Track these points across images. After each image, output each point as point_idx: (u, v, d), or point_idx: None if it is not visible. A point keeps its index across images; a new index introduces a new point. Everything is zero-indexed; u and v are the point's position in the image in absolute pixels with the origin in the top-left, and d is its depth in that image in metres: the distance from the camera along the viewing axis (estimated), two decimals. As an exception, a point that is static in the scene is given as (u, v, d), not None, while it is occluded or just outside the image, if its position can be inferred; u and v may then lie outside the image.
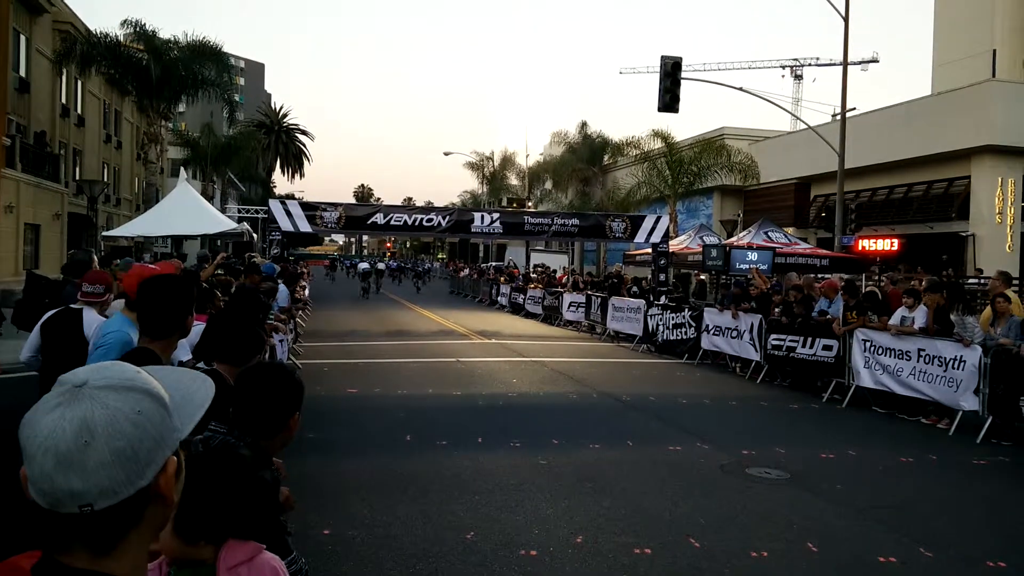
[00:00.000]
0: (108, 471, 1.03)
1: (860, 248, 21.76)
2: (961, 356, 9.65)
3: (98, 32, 28.72)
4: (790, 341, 12.82)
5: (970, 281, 21.13)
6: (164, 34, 29.82)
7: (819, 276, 17.74)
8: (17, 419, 1.10)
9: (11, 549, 1.11)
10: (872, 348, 11.09)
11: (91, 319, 5.13)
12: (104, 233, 25.91)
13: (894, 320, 11.11)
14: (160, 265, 4.49)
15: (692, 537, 5.58)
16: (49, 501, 1.04)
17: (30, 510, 1.07)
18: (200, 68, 30.05)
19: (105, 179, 35.95)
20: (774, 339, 13.22)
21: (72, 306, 5.42)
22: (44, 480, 1.03)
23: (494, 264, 51.45)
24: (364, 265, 42.85)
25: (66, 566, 1.05)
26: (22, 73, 26.97)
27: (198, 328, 3.90)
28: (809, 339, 12.41)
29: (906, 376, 10.43)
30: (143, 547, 1.12)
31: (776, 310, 13.83)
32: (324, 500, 6.14)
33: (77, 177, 32.06)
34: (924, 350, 10.23)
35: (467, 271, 46.29)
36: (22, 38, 26.86)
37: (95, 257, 10.30)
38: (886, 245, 21.64)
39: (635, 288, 21.14)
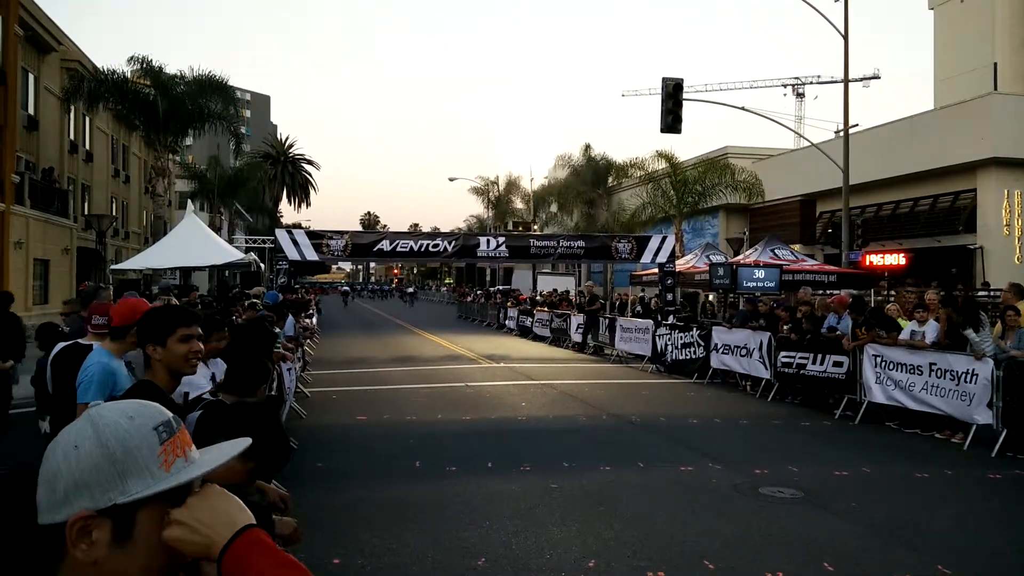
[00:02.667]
0: (41, 489, 1.09)
1: (867, 263, 21.67)
2: (973, 369, 9.58)
3: (105, 69, 29.12)
4: (800, 358, 12.75)
5: (979, 294, 20.99)
6: (171, 69, 30.25)
7: (827, 292, 17.68)
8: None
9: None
10: (883, 363, 11.01)
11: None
12: (113, 266, 26.08)
13: (904, 335, 11.05)
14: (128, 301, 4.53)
15: (706, 559, 5.51)
16: None
17: None
18: (206, 102, 30.38)
19: (113, 213, 36.26)
20: (784, 356, 13.15)
21: (81, 341, 5.42)
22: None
23: (501, 288, 51.48)
24: (346, 288, 76.08)
25: None
26: (31, 111, 27.32)
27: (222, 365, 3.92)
28: (819, 356, 12.34)
29: (918, 391, 10.35)
30: None
31: (785, 327, 13.77)
32: (333, 529, 6.10)
33: (86, 212, 32.35)
34: (936, 364, 10.15)
35: (471, 297, 46.28)
36: (31, 76, 27.24)
37: (111, 290, 10.34)
38: (894, 260, 21.54)
39: (639, 308, 21.12)
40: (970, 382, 9.59)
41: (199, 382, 3.97)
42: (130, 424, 1.12)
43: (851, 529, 6.28)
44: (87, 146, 34.37)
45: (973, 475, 8.18)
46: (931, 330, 10.68)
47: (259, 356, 3.54)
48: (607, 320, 21.33)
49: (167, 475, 1.11)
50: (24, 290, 23.88)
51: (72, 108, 30.79)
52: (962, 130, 25.19)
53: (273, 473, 2.48)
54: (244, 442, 1.28)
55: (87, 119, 33.62)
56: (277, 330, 9.69)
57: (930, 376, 10.21)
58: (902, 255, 21.71)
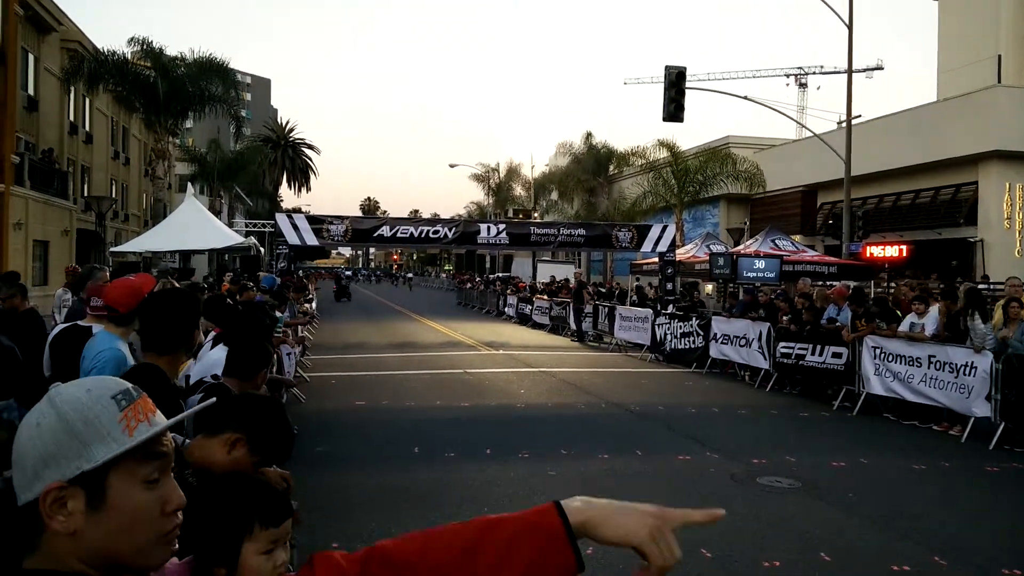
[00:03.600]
0: (13, 470, 1.13)
1: (868, 255, 21.67)
2: (972, 362, 9.59)
3: (106, 50, 28.96)
4: (799, 349, 12.77)
5: (979, 287, 21.01)
6: (171, 51, 30.05)
7: (827, 283, 17.68)
8: None
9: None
10: (882, 355, 11.03)
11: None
12: (112, 249, 26.08)
13: (903, 327, 11.06)
14: (139, 277, 4.45)
15: (704, 548, 5.53)
16: None
17: None
18: (207, 84, 30.24)
19: (113, 195, 36.15)
20: (783, 347, 13.16)
21: (80, 323, 5.40)
22: None
23: (500, 275, 51.50)
24: (347, 272, 76.95)
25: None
26: (31, 91, 27.19)
27: (221, 354, 3.88)
28: (818, 346, 12.35)
29: (917, 383, 10.37)
30: (57, 563, 1.13)
31: (785, 318, 13.78)
32: (332, 514, 6.11)
33: (85, 193, 32.26)
34: (935, 356, 10.16)
35: (469, 284, 46.29)
36: (31, 57, 27.09)
37: (107, 272, 10.34)
38: (894, 252, 21.54)
39: (634, 297, 21.14)
40: (969, 375, 9.60)
41: (216, 355, 3.94)
42: (87, 396, 1.15)
43: (848, 520, 6.30)
44: (87, 127, 34.24)
45: (970, 467, 8.21)
46: (930, 322, 10.69)
47: (260, 340, 3.53)
48: (606, 308, 21.35)
49: (130, 439, 1.15)
50: (24, 271, 23.81)
51: (72, 89, 30.64)
52: (965, 122, 25.13)
53: (277, 464, 2.50)
54: (208, 401, 1.37)
55: (87, 100, 33.47)
56: (278, 314, 9.69)
57: (929, 368, 10.22)
58: (903, 247, 21.71)
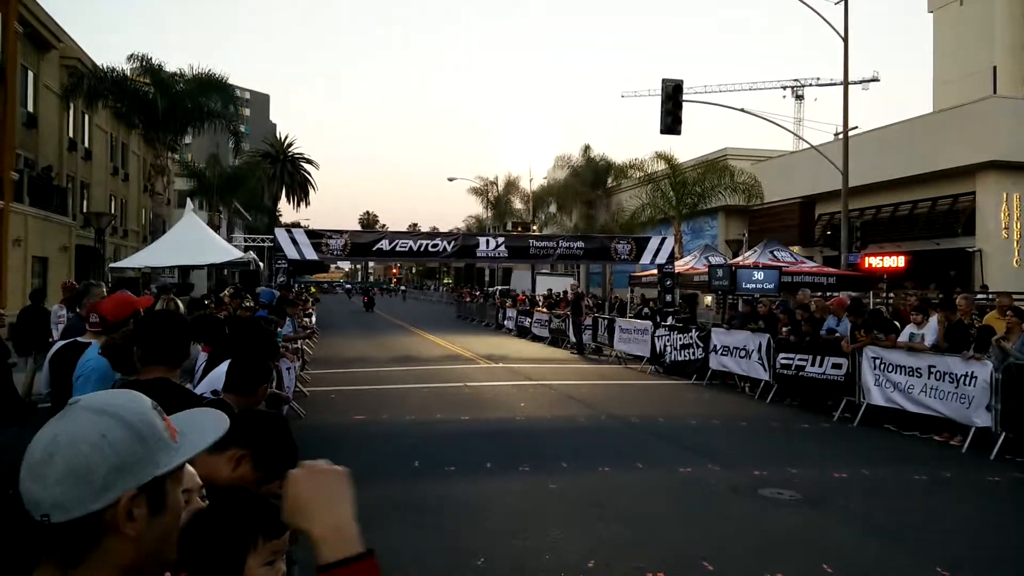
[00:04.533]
0: (63, 486, 1.08)
1: (867, 265, 21.71)
2: (972, 372, 9.58)
3: (105, 67, 29.07)
4: (799, 360, 12.76)
5: (977, 297, 21.03)
6: (170, 67, 30.16)
7: (826, 294, 17.69)
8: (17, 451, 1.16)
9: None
10: (882, 366, 11.02)
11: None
12: (112, 265, 26.08)
13: (903, 337, 11.06)
14: (141, 299, 4.61)
15: (705, 560, 5.51)
16: (26, 506, 1.11)
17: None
18: (206, 100, 30.33)
19: (112, 211, 36.20)
20: (783, 358, 13.15)
21: (80, 339, 5.41)
22: (21, 485, 1.11)
23: (500, 288, 51.50)
24: (347, 285, 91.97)
25: None
26: (30, 108, 27.28)
27: (221, 370, 3.91)
28: (818, 358, 12.35)
29: (917, 393, 10.36)
30: (109, 572, 1.14)
31: (784, 329, 13.78)
32: (333, 528, 6.08)
33: (84, 209, 32.30)
34: (935, 367, 10.16)
35: (468, 298, 46.29)
36: (30, 74, 27.20)
37: (104, 288, 10.37)
38: (892, 262, 21.58)
39: (645, 310, 21.12)
40: (969, 385, 9.59)
41: (221, 371, 3.96)
42: (139, 405, 1.19)
43: (849, 531, 6.28)
44: (86, 144, 34.33)
45: (972, 478, 8.19)
46: (930, 332, 10.69)
47: (261, 355, 3.54)
48: (606, 321, 21.34)
49: (177, 444, 1.20)
50: (22, 288, 23.84)
51: (71, 106, 30.72)
52: (961, 133, 25.23)
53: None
54: (223, 427, 1.32)
55: (86, 117, 33.58)
56: (279, 329, 9.69)
57: (929, 378, 10.22)
58: (901, 257, 21.76)
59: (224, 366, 3.65)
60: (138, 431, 1.15)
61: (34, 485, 1.09)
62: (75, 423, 1.12)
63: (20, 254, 23.42)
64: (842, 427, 11.13)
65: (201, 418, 1.33)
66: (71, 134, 32.13)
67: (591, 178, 43.68)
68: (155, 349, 3.18)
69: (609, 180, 43.40)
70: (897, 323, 11.92)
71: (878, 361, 11.09)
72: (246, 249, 37.46)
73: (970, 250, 25.58)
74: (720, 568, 5.39)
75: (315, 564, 1.24)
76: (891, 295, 22.80)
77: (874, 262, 21.79)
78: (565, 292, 29.76)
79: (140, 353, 3.24)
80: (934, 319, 10.87)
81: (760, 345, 13.75)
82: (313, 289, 48.47)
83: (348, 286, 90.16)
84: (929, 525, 6.57)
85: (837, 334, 12.29)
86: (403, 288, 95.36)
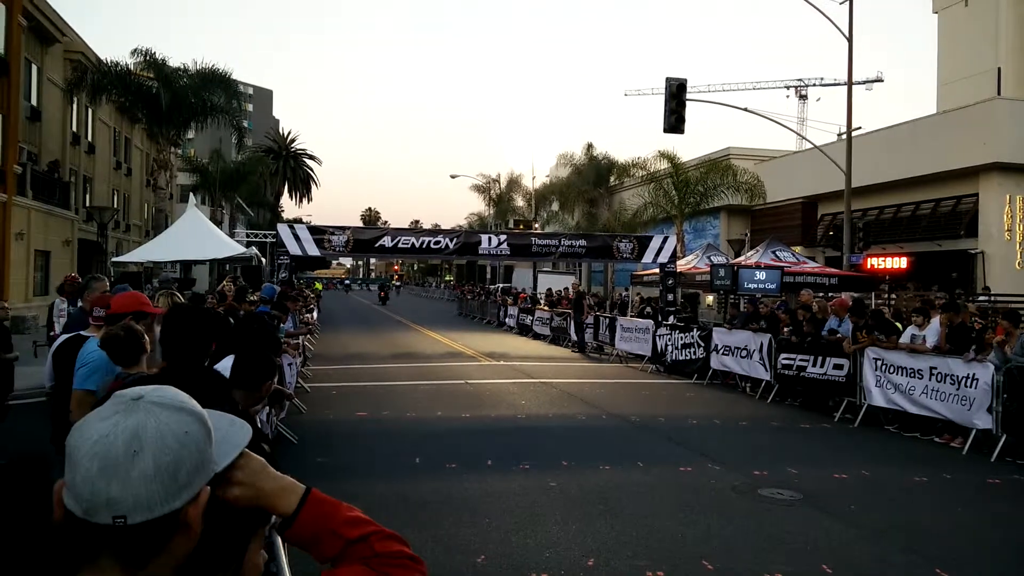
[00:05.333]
0: (148, 485, 1.04)
1: (869, 266, 21.71)
2: (973, 374, 9.59)
3: (109, 61, 29.10)
4: (800, 360, 12.77)
5: (980, 299, 21.01)
6: (174, 62, 30.20)
7: (828, 295, 17.69)
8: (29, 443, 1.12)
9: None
10: (883, 367, 11.02)
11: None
12: (114, 259, 26.09)
13: (904, 339, 11.07)
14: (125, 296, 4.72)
15: (705, 559, 5.52)
16: (85, 508, 1.03)
17: (63, 524, 1.07)
18: (209, 95, 30.33)
19: (115, 205, 36.27)
20: (784, 358, 13.16)
21: (83, 333, 5.43)
22: (85, 485, 1.03)
23: (502, 286, 51.51)
24: (346, 281, 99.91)
25: None
26: (34, 102, 27.31)
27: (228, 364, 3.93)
28: (820, 358, 12.35)
29: (918, 395, 10.36)
30: (167, 573, 1.11)
31: (786, 329, 13.78)
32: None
33: (87, 204, 32.36)
34: (936, 368, 10.16)
35: (470, 295, 46.30)
36: (34, 67, 27.23)
37: (106, 282, 10.38)
38: (895, 263, 21.57)
39: (648, 309, 21.11)
40: (970, 386, 9.60)
41: (224, 365, 3.99)
42: (196, 402, 1.17)
43: (850, 532, 6.29)
44: (89, 138, 34.36)
45: (972, 480, 8.19)
46: (932, 334, 10.69)
47: (265, 351, 3.55)
48: (607, 319, 21.35)
49: (214, 440, 1.19)
50: (25, 281, 23.89)
51: (75, 100, 30.77)
52: (965, 134, 25.17)
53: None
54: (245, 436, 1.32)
55: (90, 111, 33.61)
56: (281, 325, 9.70)
57: (930, 380, 10.22)
58: (903, 259, 21.75)
59: (227, 361, 3.66)
60: (208, 427, 1.14)
61: (111, 484, 1.02)
62: (154, 419, 1.07)
63: (23, 248, 23.47)
64: (843, 428, 11.14)
65: (219, 419, 1.30)
66: (74, 128, 32.15)
67: (593, 176, 43.67)
68: (182, 345, 3.18)
69: (612, 178, 43.39)
70: (899, 324, 11.92)
71: (879, 362, 11.09)
72: (248, 244, 37.53)
73: (972, 252, 25.54)
74: (720, 567, 5.40)
75: (282, 518, 1.31)
76: (893, 296, 22.82)
77: (876, 263, 21.79)
78: (565, 290, 29.79)
79: (165, 348, 3.27)
80: (935, 320, 10.87)
81: (761, 345, 13.76)
82: (319, 285, 47.98)
83: (347, 281, 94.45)
84: (930, 526, 6.58)
85: (839, 335, 12.30)
86: (397, 284, 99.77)
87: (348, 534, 1.32)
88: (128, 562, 1.06)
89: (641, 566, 5.40)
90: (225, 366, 3.86)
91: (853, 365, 11.62)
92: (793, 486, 7.58)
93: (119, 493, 1.02)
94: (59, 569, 1.10)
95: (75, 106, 31.68)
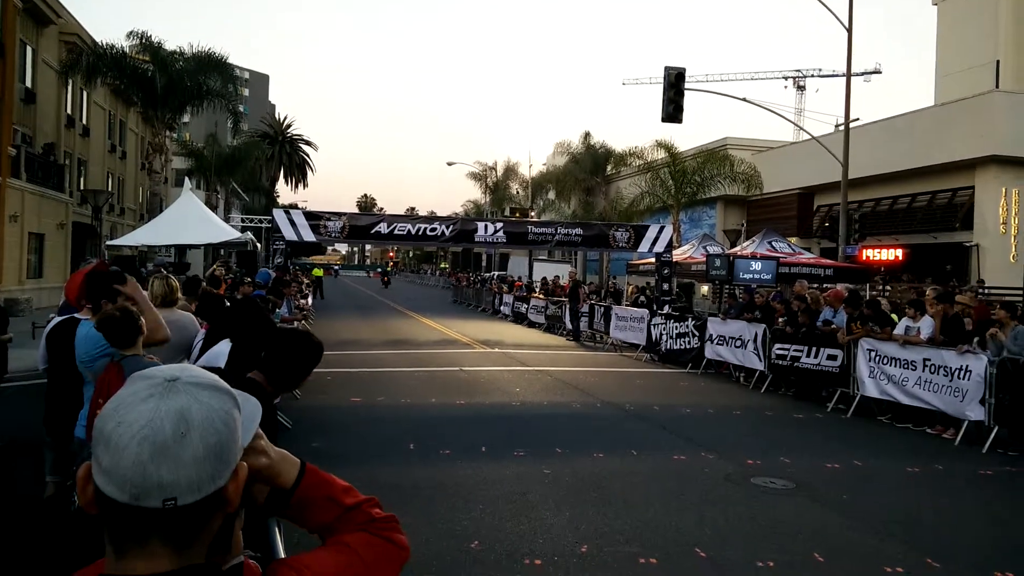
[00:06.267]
0: (199, 466, 1.04)
1: (864, 258, 21.75)
2: (967, 366, 9.62)
3: (104, 43, 28.90)
4: (794, 351, 12.79)
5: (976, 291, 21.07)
6: (170, 45, 29.99)
7: (823, 286, 17.72)
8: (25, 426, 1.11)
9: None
10: (877, 358, 11.05)
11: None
12: (108, 242, 25.99)
13: (899, 329, 11.09)
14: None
15: (698, 547, 5.54)
16: (135, 493, 1.02)
17: (96, 510, 1.06)
18: (205, 79, 30.17)
19: (110, 189, 36.05)
20: (778, 348, 13.19)
21: (77, 315, 5.42)
22: (136, 469, 1.01)
23: (497, 273, 51.51)
24: (336, 267, 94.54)
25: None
26: (28, 84, 27.11)
27: (225, 347, 3.92)
28: (814, 349, 12.38)
29: (911, 386, 10.39)
30: (203, 550, 1.11)
31: (780, 320, 13.81)
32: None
33: (82, 187, 32.17)
34: (929, 360, 10.19)
35: (465, 283, 46.27)
36: (28, 49, 27.01)
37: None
38: (890, 255, 21.61)
39: (642, 298, 21.10)
40: (963, 378, 9.63)
41: (221, 348, 3.97)
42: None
43: (842, 521, 6.32)
44: (84, 121, 34.15)
45: (964, 471, 8.23)
46: (926, 326, 10.72)
47: (264, 335, 3.54)
48: (602, 308, 21.36)
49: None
50: (18, 264, 23.80)
51: (70, 82, 30.54)
52: (962, 127, 25.19)
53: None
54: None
55: (84, 93, 33.39)
56: (276, 310, 9.68)
57: (923, 371, 10.25)
58: (899, 251, 21.80)
59: (223, 344, 3.65)
60: (239, 409, 1.14)
61: (164, 468, 1.02)
62: (197, 400, 1.07)
63: (17, 230, 23.36)
64: (836, 418, 11.18)
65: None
66: (69, 111, 31.95)
67: (590, 165, 43.60)
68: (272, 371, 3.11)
69: (609, 168, 43.33)
70: (895, 316, 11.93)
71: (873, 353, 11.12)
72: (243, 230, 37.40)
73: (968, 244, 25.60)
74: (712, 555, 5.42)
75: (284, 491, 1.35)
76: (887, 288, 22.88)
77: (871, 255, 21.83)
78: (557, 277, 29.80)
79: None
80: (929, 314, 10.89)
81: (756, 335, 13.78)
82: (320, 272, 47.19)
83: (336, 268, 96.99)
84: (920, 516, 6.61)
85: (833, 325, 12.32)
86: (391, 271, 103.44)
87: (345, 501, 1.40)
88: (177, 543, 1.06)
89: (634, 553, 5.41)
90: (221, 350, 3.85)
91: (847, 356, 11.65)
92: (786, 475, 7.61)
93: (171, 476, 1.02)
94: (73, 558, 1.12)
95: (70, 88, 31.46)
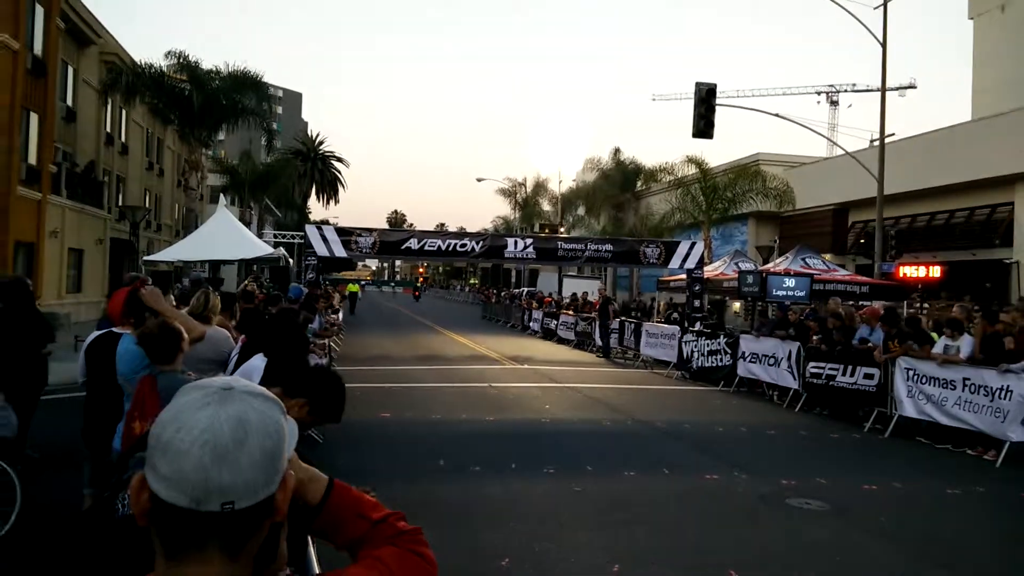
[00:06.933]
0: (256, 470, 1.07)
1: (901, 275, 21.36)
2: (1008, 386, 9.39)
3: (143, 63, 29.54)
4: (830, 369, 12.59)
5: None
6: (206, 64, 30.57)
7: (859, 303, 17.45)
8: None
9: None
10: (915, 377, 10.83)
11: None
12: (145, 258, 26.42)
13: (938, 348, 10.87)
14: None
15: (733, 568, 5.45)
16: (196, 497, 1.04)
17: (147, 521, 1.07)
18: (240, 98, 30.68)
19: (147, 205, 36.76)
20: (813, 367, 12.99)
21: (115, 329, 5.51)
22: (198, 473, 1.03)
23: (527, 290, 51.52)
24: (362, 282, 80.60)
25: None
26: (69, 103, 27.80)
27: (260, 363, 3.98)
28: (850, 367, 12.17)
29: (951, 406, 10.17)
30: (251, 562, 1.13)
31: (815, 337, 13.61)
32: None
33: (120, 203, 32.84)
34: (969, 379, 9.97)
35: (494, 299, 46.27)
36: (70, 69, 27.72)
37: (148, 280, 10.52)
38: (928, 272, 21.22)
39: (675, 315, 20.94)
40: (1004, 398, 9.40)
41: (256, 363, 4.00)
42: None
43: (880, 544, 6.18)
44: (123, 139, 34.90)
45: (1006, 493, 8.02)
46: (966, 345, 10.49)
47: (300, 352, 3.57)
48: (632, 325, 21.23)
49: None
50: (58, 279, 24.30)
51: (109, 101, 31.26)
52: (1000, 142, 24.72)
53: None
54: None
55: (123, 112, 34.14)
56: (310, 325, 9.76)
57: (963, 391, 10.03)
58: (936, 268, 21.39)
59: (257, 359, 3.67)
60: (287, 418, 1.17)
61: (224, 472, 1.04)
62: (252, 408, 1.10)
63: (57, 246, 23.87)
64: (872, 438, 10.96)
65: None
66: (108, 129, 32.68)
67: (620, 181, 43.50)
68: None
69: (639, 183, 43.17)
70: (935, 335, 11.70)
71: (911, 372, 10.90)
72: (276, 245, 37.84)
73: (1007, 261, 25.05)
74: (747, 577, 5.32)
75: (310, 506, 1.39)
76: (925, 305, 22.45)
77: (908, 272, 21.43)
78: (585, 294, 29.70)
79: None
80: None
81: (790, 353, 13.59)
82: (356, 288, 47.01)
83: (362, 283, 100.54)
84: (962, 540, 6.44)
85: (870, 344, 12.11)
86: (420, 286, 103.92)
87: (373, 516, 1.43)
88: (230, 548, 1.08)
89: (665, 573, 5.34)
90: (255, 364, 3.88)
91: (884, 375, 11.44)
92: (821, 496, 7.46)
93: (231, 480, 1.04)
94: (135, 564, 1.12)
95: (109, 107, 32.19)
